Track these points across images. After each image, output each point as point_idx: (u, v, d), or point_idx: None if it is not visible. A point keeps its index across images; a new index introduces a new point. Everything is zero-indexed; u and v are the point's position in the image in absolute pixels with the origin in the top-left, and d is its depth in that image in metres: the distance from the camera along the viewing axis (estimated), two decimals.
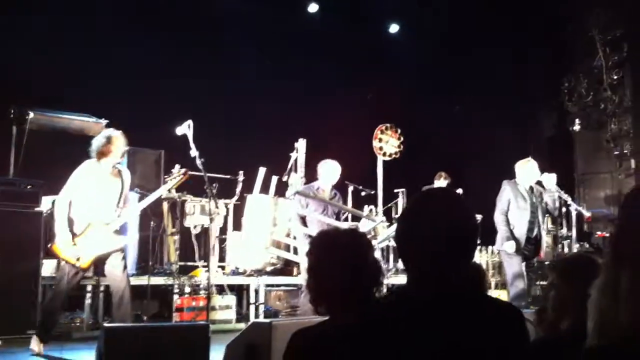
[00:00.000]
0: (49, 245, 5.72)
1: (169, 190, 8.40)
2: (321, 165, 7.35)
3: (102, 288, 7.34)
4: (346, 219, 9.17)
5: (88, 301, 7.28)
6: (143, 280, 7.55)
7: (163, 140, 8.36)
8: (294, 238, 7.39)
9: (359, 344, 1.84)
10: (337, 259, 2.42)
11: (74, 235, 5.73)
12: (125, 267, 5.95)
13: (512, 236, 7.10)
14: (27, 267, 6.51)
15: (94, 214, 5.80)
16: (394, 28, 13.32)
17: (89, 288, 7.27)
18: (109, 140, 5.91)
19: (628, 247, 1.56)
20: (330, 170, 7.20)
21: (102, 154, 5.89)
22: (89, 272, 6.79)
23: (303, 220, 6.94)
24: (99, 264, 6.08)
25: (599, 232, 10.33)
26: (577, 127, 12.72)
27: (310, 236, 6.75)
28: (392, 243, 8.92)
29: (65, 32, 9.29)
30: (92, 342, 5.48)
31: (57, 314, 5.91)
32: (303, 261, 6.99)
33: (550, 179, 7.31)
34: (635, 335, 1.50)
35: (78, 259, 5.65)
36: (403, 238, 1.93)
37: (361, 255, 2.45)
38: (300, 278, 7.19)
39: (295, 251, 7.76)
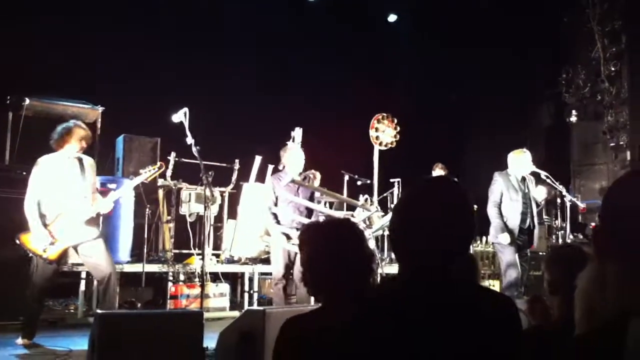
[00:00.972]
0: (16, 239, 5.61)
1: (164, 178, 8.43)
2: (284, 151, 7.11)
3: None
4: (341, 208, 9.18)
5: (82, 288, 7.29)
6: (138, 268, 7.58)
7: (159, 128, 8.35)
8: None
9: (353, 335, 1.83)
10: (330, 249, 2.43)
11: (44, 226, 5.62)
12: (108, 253, 5.82)
13: (506, 228, 7.11)
14: (21, 253, 6.50)
15: (60, 205, 5.66)
16: (391, 18, 13.32)
17: (83, 275, 7.28)
18: (68, 131, 5.76)
19: (608, 239, 1.56)
20: (294, 156, 6.94)
21: (59, 145, 5.76)
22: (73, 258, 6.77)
23: (275, 203, 6.83)
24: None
25: (593, 224, 10.35)
26: (574, 119, 12.75)
27: (276, 215, 6.69)
28: (387, 232, 8.94)
29: (63, 20, 9.28)
30: (86, 329, 5.47)
31: (36, 311, 5.77)
32: (273, 246, 6.88)
33: (540, 193, 7.34)
34: (618, 327, 1.51)
35: (45, 250, 5.54)
36: (399, 227, 1.91)
37: (354, 245, 2.45)
38: (272, 265, 7.02)
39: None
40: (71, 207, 5.69)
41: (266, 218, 6.84)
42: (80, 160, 5.89)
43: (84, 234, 5.71)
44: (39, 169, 5.73)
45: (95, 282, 7.31)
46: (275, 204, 6.73)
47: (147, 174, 6.21)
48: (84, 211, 5.73)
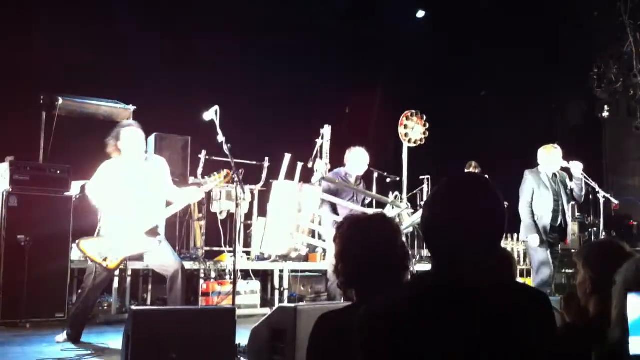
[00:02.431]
0: (76, 243, 5.62)
1: (196, 177, 8.49)
2: (349, 152, 7.29)
3: (129, 272, 7.44)
4: (370, 206, 9.17)
5: (116, 285, 7.37)
6: (184, 265, 7.65)
7: (190, 126, 8.40)
8: (320, 224, 7.38)
9: (383, 329, 1.84)
10: (366, 243, 2.42)
11: (103, 233, 5.64)
12: (172, 252, 5.86)
13: (536, 227, 7.01)
14: (57, 251, 6.62)
15: (124, 215, 5.61)
16: (420, 14, 13.27)
17: (117, 272, 7.35)
18: (116, 137, 5.72)
19: None
20: (357, 158, 7.11)
21: (114, 151, 5.73)
22: None
23: (334, 207, 6.89)
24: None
25: (631, 221, 10.21)
26: (606, 114, 12.58)
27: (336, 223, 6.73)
28: (417, 229, 8.92)
29: (94, 19, 9.39)
30: (119, 326, 5.57)
31: (85, 315, 5.79)
32: (330, 248, 6.99)
33: (577, 167, 7.19)
34: None
35: (105, 259, 5.52)
36: (429, 223, 1.91)
37: (389, 239, 2.45)
38: (326, 264, 7.15)
39: (320, 237, 7.78)
40: (134, 217, 5.63)
41: (326, 225, 6.88)
42: (145, 163, 5.85)
43: (144, 245, 5.68)
44: (102, 170, 5.73)
45: (129, 278, 7.47)
46: (335, 211, 6.79)
47: (214, 182, 6.10)
48: (146, 221, 5.67)
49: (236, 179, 6.34)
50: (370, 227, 2.49)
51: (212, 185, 6.13)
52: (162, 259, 5.78)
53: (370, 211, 6.98)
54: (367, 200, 7.55)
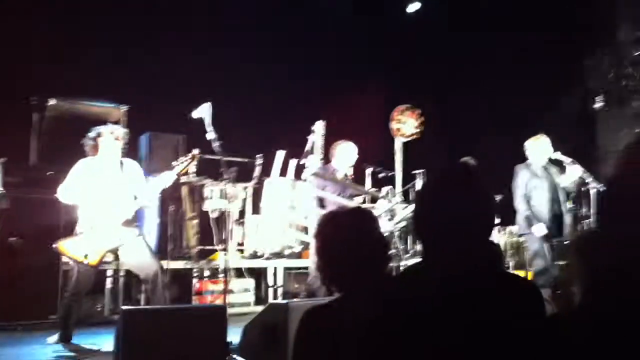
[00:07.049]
0: (54, 246, 5.58)
1: (187, 175, 8.45)
2: (335, 146, 7.24)
3: (122, 272, 7.41)
4: (363, 201, 9.15)
5: (109, 286, 7.35)
6: (162, 265, 7.63)
7: (184, 125, 8.35)
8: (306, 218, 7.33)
9: (373, 324, 1.84)
10: (341, 236, 2.42)
11: (80, 232, 5.63)
12: (150, 251, 5.83)
13: (537, 218, 6.98)
14: (47, 253, 6.56)
15: (98, 210, 5.63)
16: (411, 8, 13.21)
17: (110, 273, 7.34)
18: (97, 136, 5.76)
19: None
20: (346, 152, 7.06)
21: (92, 151, 5.77)
22: (109, 257, 6.82)
23: (321, 203, 6.85)
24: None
25: None
26: (598, 105, 12.57)
27: None
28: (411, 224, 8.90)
29: (84, 19, 9.35)
30: (112, 327, 5.53)
31: (73, 315, 5.77)
32: (312, 244, 6.94)
33: (574, 172, 7.18)
34: None
35: (85, 256, 5.51)
36: (420, 216, 1.92)
37: (365, 231, 2.44)
38: (310, 260, 7.06)
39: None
40: (108, 211, 5.65)
41: (312, 219, 6.84)
42: (121, 163, 5.88)
43: (123, 236, 5.68)
44: (76, 168, 5.77)
45: (121, 279, 7.45)
46: (322, 206, 6.74)
47: (183, 164, 6.07)
48: (121, 213, 5.68)
49: (227, 177, 6.32)
50: (346, 222, 2.49)
51: (182, 166, 6.07)
52: (140, 257, 5.75)
53: (350, 204, 6.96)
54: (359, 197, 7.49)
